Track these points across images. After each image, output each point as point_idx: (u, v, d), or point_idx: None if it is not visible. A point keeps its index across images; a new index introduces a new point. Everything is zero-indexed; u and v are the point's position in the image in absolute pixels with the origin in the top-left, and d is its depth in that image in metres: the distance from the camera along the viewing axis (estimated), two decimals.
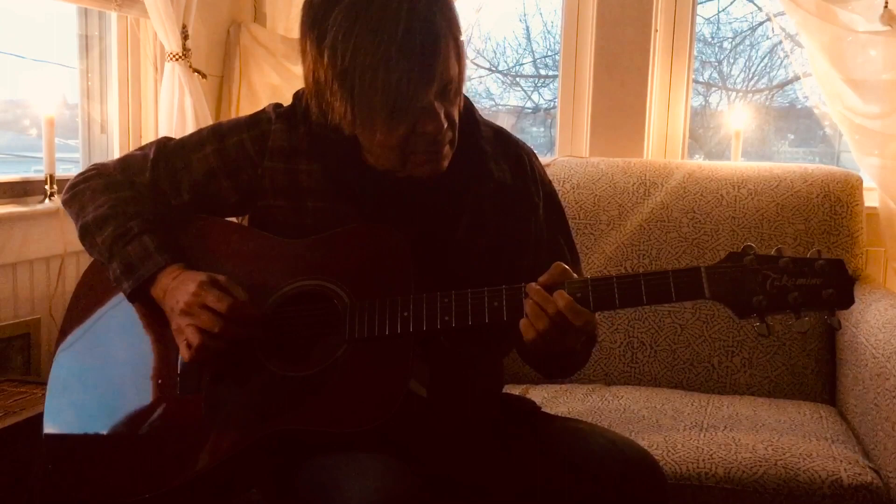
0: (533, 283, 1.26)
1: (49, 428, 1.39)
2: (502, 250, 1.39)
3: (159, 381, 1.36)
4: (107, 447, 1.36)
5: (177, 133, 2.40)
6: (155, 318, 1.37)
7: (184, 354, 1.31)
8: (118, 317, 1.43)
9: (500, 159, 1.43)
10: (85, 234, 1.43)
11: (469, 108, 1.41)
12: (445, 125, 1.26)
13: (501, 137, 1.46)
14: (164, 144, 1.48)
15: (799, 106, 3.23)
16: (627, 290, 1.23)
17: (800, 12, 2.44)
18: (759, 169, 2.35)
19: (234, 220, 1.51)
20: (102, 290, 1.45)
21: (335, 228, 1.36)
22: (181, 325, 1.30)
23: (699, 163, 2.46)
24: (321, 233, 1.36)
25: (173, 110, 2.41)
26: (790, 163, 2.58)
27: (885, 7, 2.30)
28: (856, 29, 2.40)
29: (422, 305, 1.28)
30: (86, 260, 2.26)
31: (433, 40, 1.20)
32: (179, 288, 1.32)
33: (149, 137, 2.53)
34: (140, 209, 1.41)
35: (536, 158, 1.49)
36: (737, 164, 2.46)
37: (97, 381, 1.41)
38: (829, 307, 1.20)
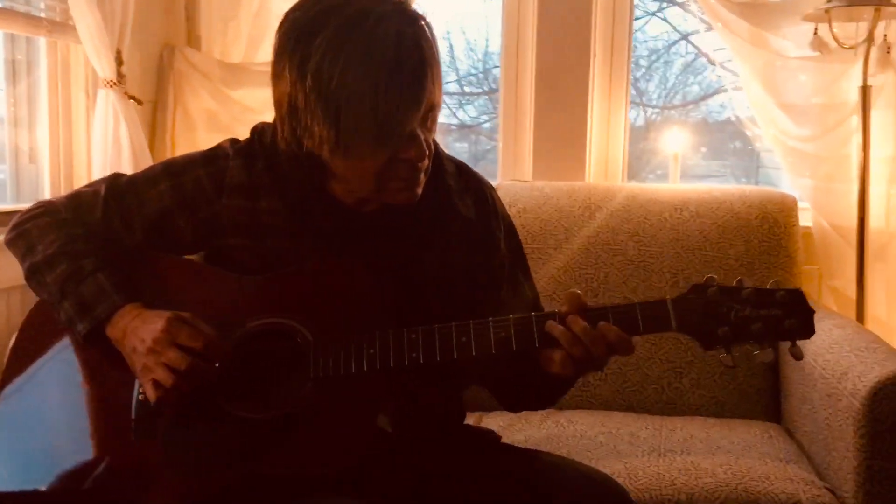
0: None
1: None
2: (468, 286, 1.38)
3: (112, 427, 1.30)
4: (56, 497, 1.29)
5: (112, 162, 2.32)
6: (107, 360, 1.31)
7: (150, 395, 1.25)
8: (66, 360, 1.37)
9: (463, 194, 1.42)
10: (33, 274, 1.37)
11: (434, 143, 1.40)
12: (426, 152, 1.26)
13: (463, 172, 1.46)
14: (115, 181, 1.43)
15: (710, 121, 3.32)
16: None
17: (733, 38, 2.51)
18: (700, 191, 2.39)
19: (189, 257, 1.47)
20: (49, 331, 1.38)
21: (297, 265, 1.32)
22: (149, 364, 1.24)
23: (641, 186, 2.50)
24: (282, 270, 1.33)
25: (108, 139, 2.32)
26: (708, 177, 2.64)
27: (815, 33, 2.39)
28: (787, 55, 2.48)
29: (388, 342, 1.25)
30: (22, 297, 2.19)
31: (421, 66, 1.20)
32: (142, 327, 1.26)
33: (81, 167, 2.43)
34: (93, 247, 1.36)
35: (495, 192, 1.49)
36: (677, 187, 2.51)
37: (44, 429, 1.35)
38: (791, 337, 1.23)
